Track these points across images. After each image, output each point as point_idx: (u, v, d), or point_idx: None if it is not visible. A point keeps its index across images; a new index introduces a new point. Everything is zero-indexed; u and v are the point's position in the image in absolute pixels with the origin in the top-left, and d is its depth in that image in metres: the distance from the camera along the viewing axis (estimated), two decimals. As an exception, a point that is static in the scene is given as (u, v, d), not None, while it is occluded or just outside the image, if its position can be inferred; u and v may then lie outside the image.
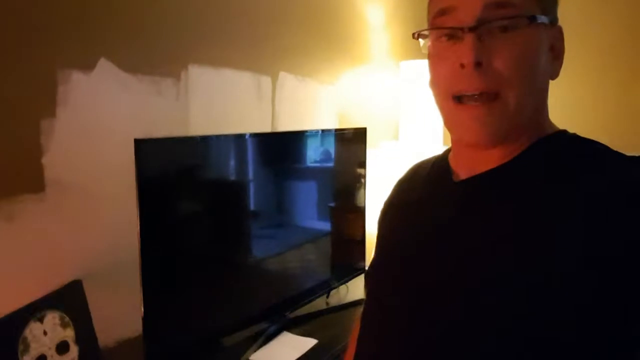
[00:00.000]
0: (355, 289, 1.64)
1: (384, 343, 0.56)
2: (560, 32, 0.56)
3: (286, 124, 1.58)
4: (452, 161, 0.62)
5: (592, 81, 1.81)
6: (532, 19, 0.51)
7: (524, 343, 0.45)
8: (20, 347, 0.89)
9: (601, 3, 1.77)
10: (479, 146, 0.55)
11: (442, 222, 0.56)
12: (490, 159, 0.55)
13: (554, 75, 0.55)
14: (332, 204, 1.67)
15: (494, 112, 0.51)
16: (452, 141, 0.62)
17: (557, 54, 0.55)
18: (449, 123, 0.57)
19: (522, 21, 0.51)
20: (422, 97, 1.93)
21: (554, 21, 0.55)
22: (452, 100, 0.54)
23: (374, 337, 0.60)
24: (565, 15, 0.58)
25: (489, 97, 0.51)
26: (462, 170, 0.59)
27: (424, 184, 0.64)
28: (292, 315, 1.40)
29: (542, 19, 0.52)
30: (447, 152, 0.65)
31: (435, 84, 0.57)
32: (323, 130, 1.59)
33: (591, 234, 0.45)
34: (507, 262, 0.48)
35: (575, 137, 0.56)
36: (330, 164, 1.62)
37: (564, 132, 0.57)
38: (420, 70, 1.89)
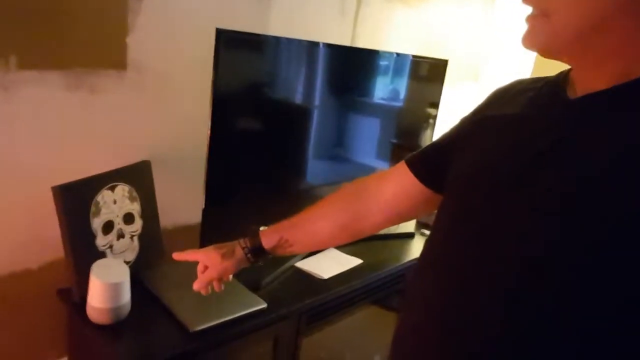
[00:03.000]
0: (405, 223, 1.63)
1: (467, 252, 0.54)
2: None
3: (365, 44, 1.51)
4: (573, 76, 0.56)
5: None
6: None
7: (631, 275, 0.43)
8: (93, 209, 0.96)
9: None
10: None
11: (548, 142, 0.52)
12: (604, 76, 0.50)
13: None
14: (394, 141, 1.61)
15: (538, 28, 0.51)
16: None
17: None
18: None
19: None
20: (515, 39, 1.78)
21: None
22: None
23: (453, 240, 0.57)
24: None
25: (542, 14, 0.51)
26: (581, 87, 0.54)
27: (533, 99, 0.59)
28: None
29: None
30: (566, 71, 0.59)
31: None
32: (400, 54, 1.50)
33: None
34: (613, 193, 0.45)
35: None
36: (401, 97, 1.54)
37: None
38: (519, 9, 1.73)
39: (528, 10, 0.53)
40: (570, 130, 0.51)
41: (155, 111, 1.11)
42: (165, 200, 1.13)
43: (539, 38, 0.52)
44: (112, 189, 1.00)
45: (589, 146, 0.49)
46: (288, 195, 1.33)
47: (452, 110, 1.83)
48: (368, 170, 1.53)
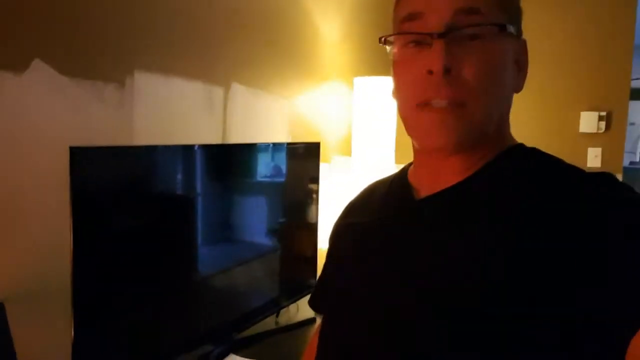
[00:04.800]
0: (306, 307, 1.60)
1: None
2: (524, 45, 0.55)
3: (238, 137, 1.53)
4: (413, 177, 0.60)
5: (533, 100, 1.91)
6: (502, 27, 0.50)
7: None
8: None
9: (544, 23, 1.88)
10: (442, 152, 0.53)
11: (407, 242, 0.54)
12: (452, 170, 0.54)
13: (518, 88, 0.55)
14: (282, 220, 1.63)
15: (461, 119, 0.50)
16: (415, 153, 0.60)
17: (521, 66, 0.54)
18: (412, 129, 0.55)
19: (491, 29, 0.50)
20: (374, 114, 1.95)
21: (519, 33, 0.54)
22: (417, 106, 0.52)
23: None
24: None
25: (457, 104, 0.50)
26: (424, 186, 0.57)
27: (382, 203, 0.62)
28: (239, 336, 1.33)
29: (510, 28, 0.51)
30: (405, 169, 0.63)
31: (400, 91, 0.55)
32: (275, 144, 1.56)
33: (555, 249, 0.45)
34: (476, 281, 0.47)
35: (535, 151, 0.55)
36: (282, 179, 1.58)
37: (522, 145, 0.57)
38: (373, 87, 1.91)
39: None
40: (425, 230, 0.54)
41: (4, 244, 0.97)
42: (26, 345, 0.96)
43: (457, 129, 0.50)
44: (-48, 347, 0.83)
45: (442, 246, 0.51)
46: (177, 295, 1.22)
47: (332, 186, 1.90)
48: (260, 250, 1.50)
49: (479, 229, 0.50)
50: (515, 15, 0.53)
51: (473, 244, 0.49)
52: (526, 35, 0.55)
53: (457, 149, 0.52)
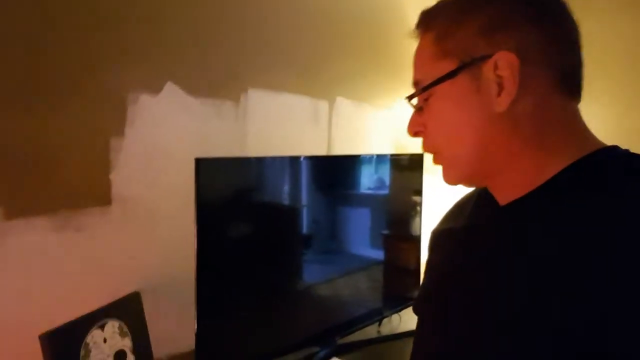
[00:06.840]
0: (409, 319, 1.59)
1: None
2: (503, 59, 0.50)
3: (342, 149, 1.59)
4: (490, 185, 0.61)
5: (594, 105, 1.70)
6: (427, 87, 0.56)
7: None
8: (82, 352, 0.93)
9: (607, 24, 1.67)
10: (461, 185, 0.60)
11: (482, 251, 0.55)
12: (513, 183, 0.53)
13: (499, 107, 0.51)
14: (385, 232, 1.64)
15: (443, 162, 0.58)
16: None
17: (501, 85, 0.50)
18: None
19: (423, 95, 0.57)
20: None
21: (482, 57, 0.51)
22: None
23: None
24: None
25: (436, 153, 0.59)
26: (501, 195, 0.57)
27: (474, 209, 0.63)
28: (342, 341, 1.37)
29: (442, 79, 0.53)
30: None
31: None
32: (378, 155, 1.58)
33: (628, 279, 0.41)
34: (536, 300, 0.46)
35: (623, 153, 0.50)
36: (385, 190, 1.60)
37: (612, 148, 0.50)
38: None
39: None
40: (496, 240, 0.54)
41: (141, 241, 1.13)
42: (157, 330, 1.10)
43: (447, 173, 0.58)
44: (102, 327, 0.98)
45: (511, 260, 0.50)
46: (285, 299, 1.30)
47: (435, 198, 1.87)
48: (364, 261, 1.53)
49: (543, 246, 0.48)
50: (464, 46, 0.53)
51: (535, 262, 0.48)
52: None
53: (467, 184, 0.59)
